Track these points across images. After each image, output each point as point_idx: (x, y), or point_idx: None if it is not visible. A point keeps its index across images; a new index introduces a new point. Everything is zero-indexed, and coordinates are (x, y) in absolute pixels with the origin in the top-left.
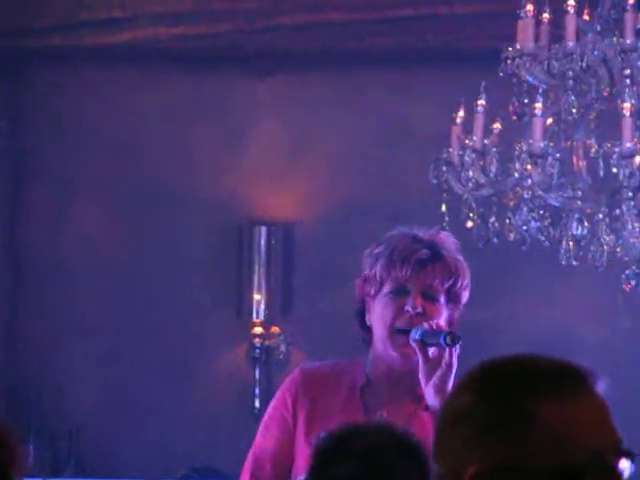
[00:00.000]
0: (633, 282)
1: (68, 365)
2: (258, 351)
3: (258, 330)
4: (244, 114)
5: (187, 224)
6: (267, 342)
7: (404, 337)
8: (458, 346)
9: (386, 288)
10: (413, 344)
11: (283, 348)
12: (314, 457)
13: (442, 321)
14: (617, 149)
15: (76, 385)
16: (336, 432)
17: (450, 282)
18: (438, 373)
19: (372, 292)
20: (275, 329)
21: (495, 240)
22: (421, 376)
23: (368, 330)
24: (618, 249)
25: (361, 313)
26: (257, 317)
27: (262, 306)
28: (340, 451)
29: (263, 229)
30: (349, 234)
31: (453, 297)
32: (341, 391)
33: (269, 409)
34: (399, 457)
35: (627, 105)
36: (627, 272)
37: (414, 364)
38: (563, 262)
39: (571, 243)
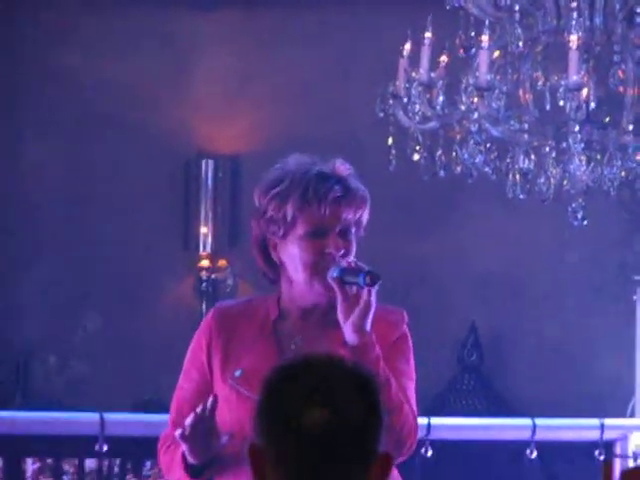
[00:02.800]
0: (579, 215)
1: (13, 294)
2: (205, 284)
3: (205, 263)
4: (190, 47)
5: (134, 157)
6: (214, 275)
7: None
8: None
9: (300, 229)
10: (331, 282)
11: (230, 281)
12: (263, 392)
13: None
14: (564, 82)
15: (22, 314)
16: (283, 367)
17: (360, 213)
18: (356, 312)
19: (281, 233)
20: (222, 262)
21: (442, 173)
22: (339, 314)
23: (274, 266)
24: (564, 182)
25: (264, 249)
26: (204, 250)
27: (209, 239)
28: (290, 385)
29: (210, 162)
30: None
31: (359, 226)
32: (254, 327)
33: (187, 353)
34: (351, 389)
35: (574, 38)
36: (573, 205)
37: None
38: (510, 195)
39: (518, 176)
